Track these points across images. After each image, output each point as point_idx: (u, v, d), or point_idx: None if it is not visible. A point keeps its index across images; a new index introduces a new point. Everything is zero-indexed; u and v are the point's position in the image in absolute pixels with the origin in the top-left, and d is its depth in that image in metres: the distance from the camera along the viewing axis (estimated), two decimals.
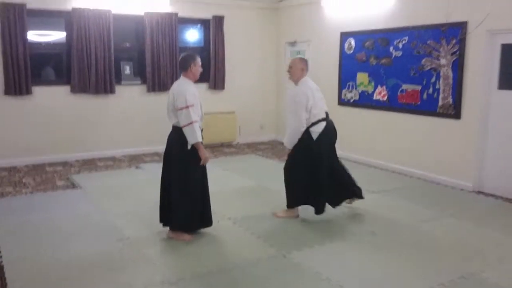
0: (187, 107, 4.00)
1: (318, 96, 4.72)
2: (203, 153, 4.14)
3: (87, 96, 7.61)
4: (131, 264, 3.79)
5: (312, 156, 4.64)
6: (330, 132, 4.77)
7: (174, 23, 8.09)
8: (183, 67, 4.20)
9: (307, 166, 4.67)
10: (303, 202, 4.83)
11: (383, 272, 3.68)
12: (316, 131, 4.66)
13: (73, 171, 6.91)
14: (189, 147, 4.10)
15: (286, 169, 4.86)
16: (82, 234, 4.41)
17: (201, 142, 4.11)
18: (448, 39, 6.02)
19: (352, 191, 4.99)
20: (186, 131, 4.04)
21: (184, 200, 4.18)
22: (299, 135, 4.64)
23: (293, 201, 4.85)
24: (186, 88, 4.08)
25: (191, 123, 4.01)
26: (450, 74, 6.04)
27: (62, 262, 3.83)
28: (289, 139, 4.71)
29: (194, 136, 4.04)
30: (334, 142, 4.90)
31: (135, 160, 7.67)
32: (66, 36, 7.51)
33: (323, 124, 4.71)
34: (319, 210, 4.74)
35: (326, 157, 4.72)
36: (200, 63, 4.24)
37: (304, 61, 4.83)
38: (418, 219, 4.86)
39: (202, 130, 4.17)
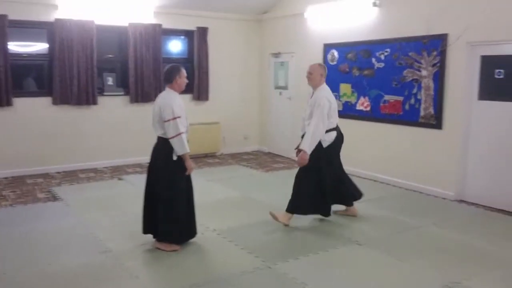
0: (174, 118, 4.01)
1: (334, 103, 4.86)
2: (189, 163, 4.16)
3: (69, 107, 7.52)
4: (114, 277, 3.73)
5: (320, 164, 4.76)
6: (339, 142, 4.94)
7: (157, 34, 8.08)
8: (168, 79, 4.19)
9: (316, 174, 4.79)
10: (308, 211, 4.92)
11: (366, 281, 3.68)
12: (328, 139, 4.79)
13: (54, 183, 6.81)
14: (174, 158, 4.09)
15: (298, 177, 4.92)
16: (64, 247, 4.33)
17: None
18: (429, 51, 6.13)
19: (352, 196, 5.19)
20: (174, 142, 4.03)
21: (171, 210, 4.15)
22: (319, 139, 4.69)
23: (297, 209, 4.87)
24: (173, 100, 4.08)
25: (179, 134, 4.02)
26: (431, 85, 6.14)
27: (44, 275, 3.75)
28: (311, 144, 4.66)
29: (182, 147, 4.05)
30: (340, 150, 5.05)
31: (117, 171, 7.59)
32: (48, 47, 7.45)
33: (334, 133, 4.85)
34: (327, 214, 4.97)
35: (331, 165, 4.88)
36: (185, 74, 4.24)
37: (323, 67, 4.94)
38: (401, 228, 4.90)
39: (188, 141, 4.16)
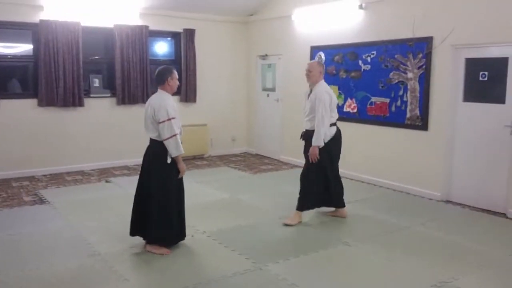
0: (169, 119, 4.01)
1: (334, 98, 4.98)
2: (182, 165, 4.17)
3: (55, 109, 7.45)
4: (103, 281, 3.70)
5: (322, 160, 4.89)
6: (339, 137, 5.07)
7: (144, 36, 8.04)
8: (160, 80, 4.18)
9: (319, 169, 4.93)
10: (315, 205, 5.12)
11: (356, 282, 3.72)
12: (329, 134, 4.93)
13: (41, 186, 6.73)
14: (169, 160, 4.09)
15: (303, 175, 5.06)
16: (52, 251, 4.29)
17: None
18: (414, 53, 6.21)
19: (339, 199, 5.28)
20: (169, 143, 4.02)
21: (164, 213, 4.14)
22: (325, 131, 4.83)
23: (306, 205, 5.03)
24: (167, 101, 4.08)
25: (174, 135, 4.02)
26: (417, 87, 6.22)
27: (32, 279, 3.70)
28: (318, 137, 4.81)
29: (177, 148, 4.05)
30: (340, 147, 5.18)
31: (104, 174, 7.53)
32: (33, 48, 7.36)
33: (335, 128, 5.00)
34: (331, 206, 5.21)
35: (332, 162, 5.04)
36: (177, 76, 4.23)
37: (321, 65, 5.06)
38: (389, 228, 4.94)
39: (182, 143, 4.15)
